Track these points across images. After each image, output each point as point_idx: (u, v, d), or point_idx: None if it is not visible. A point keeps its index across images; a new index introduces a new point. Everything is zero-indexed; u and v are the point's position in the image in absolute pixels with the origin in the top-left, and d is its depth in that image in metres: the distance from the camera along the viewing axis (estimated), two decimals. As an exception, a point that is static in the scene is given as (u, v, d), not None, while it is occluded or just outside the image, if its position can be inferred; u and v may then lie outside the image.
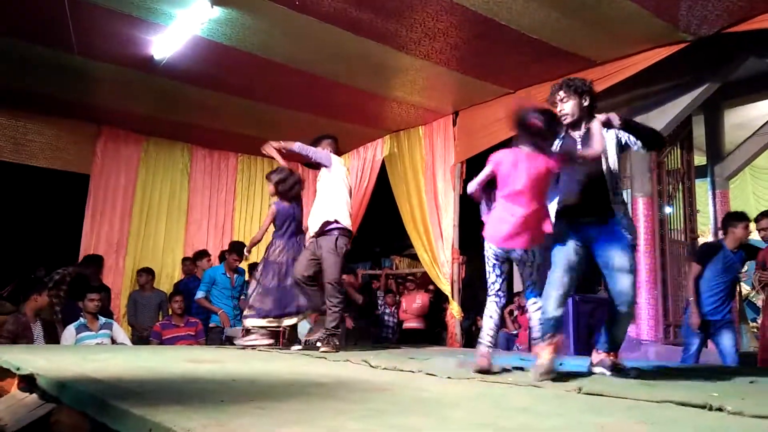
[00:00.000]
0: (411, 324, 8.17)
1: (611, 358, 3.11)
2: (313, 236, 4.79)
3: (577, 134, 3.19)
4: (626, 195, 6.63)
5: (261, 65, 5.54)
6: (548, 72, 5.60)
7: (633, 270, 3.04)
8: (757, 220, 4.79)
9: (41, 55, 5.44)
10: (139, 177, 7.57)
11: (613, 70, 5.33)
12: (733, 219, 4.92)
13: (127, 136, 7.51)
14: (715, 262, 4.80)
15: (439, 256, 6.65)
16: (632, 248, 3.07)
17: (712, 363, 4.81)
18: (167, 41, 5.13)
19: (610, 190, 3.07)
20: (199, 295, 6.28)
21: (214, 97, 6.32)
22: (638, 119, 6.25)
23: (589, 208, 3.11)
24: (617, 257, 3.02)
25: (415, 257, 8.03)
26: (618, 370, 3.06)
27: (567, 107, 3.16)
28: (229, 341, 5.90)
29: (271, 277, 4.72)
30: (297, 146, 4.77)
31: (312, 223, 4.78)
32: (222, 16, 4.73)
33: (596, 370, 3.12)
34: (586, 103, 3.16)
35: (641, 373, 2.98)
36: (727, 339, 4.72)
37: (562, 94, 3.17)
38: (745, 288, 9.25)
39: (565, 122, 3.18)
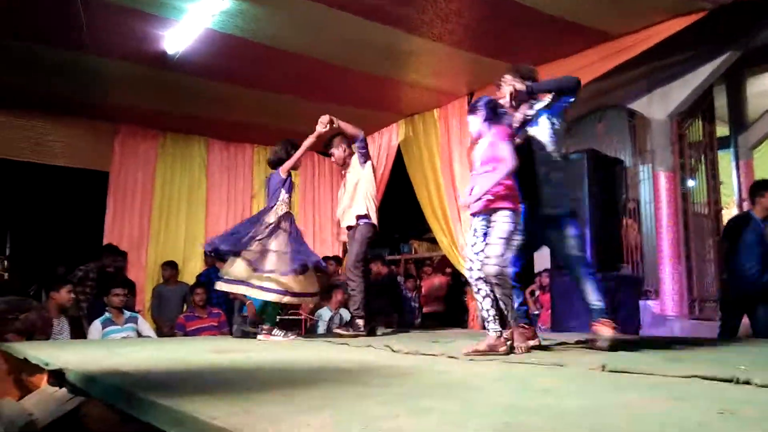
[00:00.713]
0: (431, 307, 8.19)
1: (602, 325, 3.13)
2: (346, 228, 4.99)
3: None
4: (647, 170, 6.54)
5: (273, 55, 5.53)
6: (564, 48, 5.51)
7: (581, 236, 3.30)
8: None
9: (56, 56, 5.48)
10: (157, 172, 7.64)
11: (630, 43, 5.21)
12: (760, 188, 4.82)
13: (145, 132, 7.58)
14: (747, 234, 4.71)
15: (457, 239, 6.63)
16: (566, 215, 3.26)
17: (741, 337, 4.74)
18: (180, 36, 5.13)
19: (542, 173, 3.30)
20: None
21: (228, 89, 6.33)
22: (658, 92, 6.21)
23: (531, 192, 3.32)
24: (570, 230, 3.27)
25: (433, 241, 8.01)
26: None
27: (507, 91, 3.42)
28: (253, 325, 5.97)
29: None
30: (361, 136, 4.93)
31: (345, 216, 4.94)
32: (233, 8, 4.71)
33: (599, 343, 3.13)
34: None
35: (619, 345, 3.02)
36: (761, 312, 4.63)
37: (508, 77, 3.49)
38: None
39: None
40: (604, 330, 3.09)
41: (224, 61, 5.70)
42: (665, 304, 5.97)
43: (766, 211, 4.73)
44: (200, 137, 8.00)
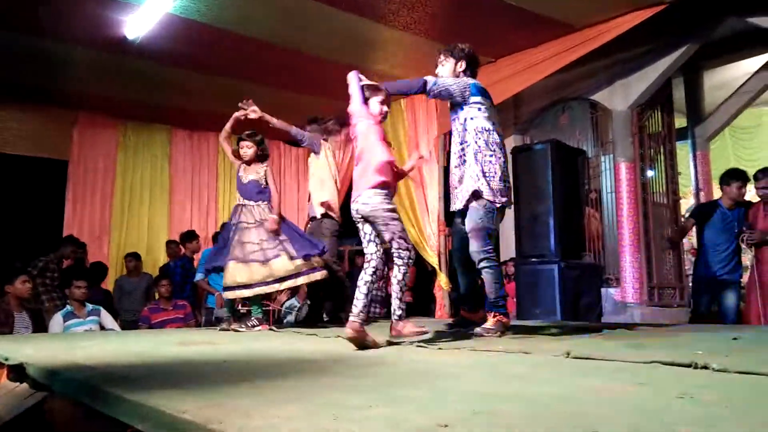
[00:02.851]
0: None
1: (481, 315, 3.42)
2: (309, 220, 5.05)
3: None
4: (609, 160, 6.67)
5: (237, 42, 5.44)
6: (529, 39, 5.58)
7: (472, 229, 3.32)
8: (756, 177, 4.80)
9: (11, 41, 5.29)
10: (118, 162, 7.48)
11: (593, 35, 5.32)
12: (727, 177, 4.95)
13: (105, 121, 7.39)
14: (714, 221, 4.87)
15: (425, 228, 6.67)
16: (474, 207, 3.32)
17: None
18: (140, 21, 5.00)
19: (457, 164, 3.41)
20: (198, 277, 6.32)
21: (192, 77, 6.21)
22: (619, 84, 6.34)
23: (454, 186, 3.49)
24: (466, 222, 3.38)
25: (401, 231, 8.04)
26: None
27: (442, 71, 3.47)
28: (219, 321, 5.91)
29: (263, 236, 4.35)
30: (294, 131, 4.89)
31: (310, 208, 5.03)
32: (195, -7, 4.62)
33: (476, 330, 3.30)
34: (461, 68, 3.44)
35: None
36: (730, 299, 4.78)
37: (441, 57, 3.50)
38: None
39: None
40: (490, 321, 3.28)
41: (186, 48, 5.58)
42: (626, 291, 6.13)
43: (731, 201, 4.87)
44: (163, 126, 7.84)
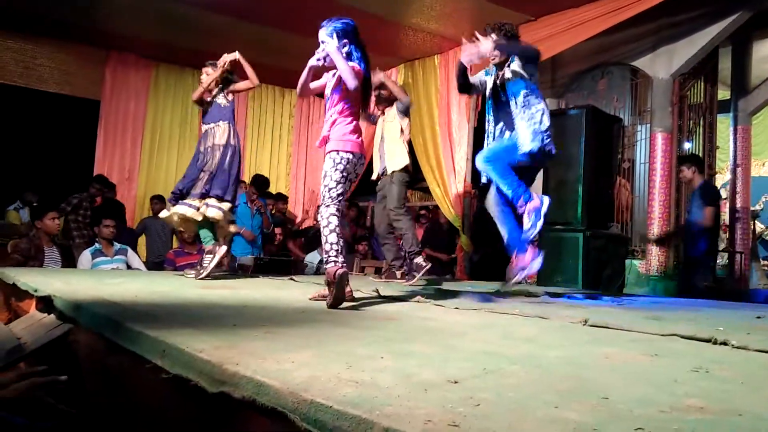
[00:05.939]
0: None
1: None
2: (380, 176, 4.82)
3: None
4: (645, 129, 6.49)
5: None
6: (570, -1, 5.38)
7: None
8: None
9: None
10: (149, 104, 7.52)
11: (640, -3, 5.10)
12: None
13: (137, 61, 7.40)
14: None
15: (451, 189, 6.62)
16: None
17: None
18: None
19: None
20: None
21: (224, 21, 6.16)
22: (662, 50, 6.11)
23: None
24: None
25: (426, 190, 7.99)
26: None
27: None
28: (241, 268, 6.02)
29: (210, 161, 4.40)
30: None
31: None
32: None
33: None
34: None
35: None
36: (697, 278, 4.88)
37: (493, 36, 3.48)
38: (759, 226, 9.19)
39: (492, 62, 3.54)
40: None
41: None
42: (650, 263, 6.05)
43: (686, 185, 4.96)
44: (194, 70, 7.80)
